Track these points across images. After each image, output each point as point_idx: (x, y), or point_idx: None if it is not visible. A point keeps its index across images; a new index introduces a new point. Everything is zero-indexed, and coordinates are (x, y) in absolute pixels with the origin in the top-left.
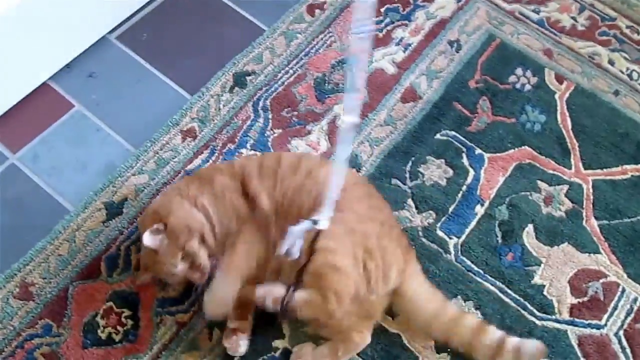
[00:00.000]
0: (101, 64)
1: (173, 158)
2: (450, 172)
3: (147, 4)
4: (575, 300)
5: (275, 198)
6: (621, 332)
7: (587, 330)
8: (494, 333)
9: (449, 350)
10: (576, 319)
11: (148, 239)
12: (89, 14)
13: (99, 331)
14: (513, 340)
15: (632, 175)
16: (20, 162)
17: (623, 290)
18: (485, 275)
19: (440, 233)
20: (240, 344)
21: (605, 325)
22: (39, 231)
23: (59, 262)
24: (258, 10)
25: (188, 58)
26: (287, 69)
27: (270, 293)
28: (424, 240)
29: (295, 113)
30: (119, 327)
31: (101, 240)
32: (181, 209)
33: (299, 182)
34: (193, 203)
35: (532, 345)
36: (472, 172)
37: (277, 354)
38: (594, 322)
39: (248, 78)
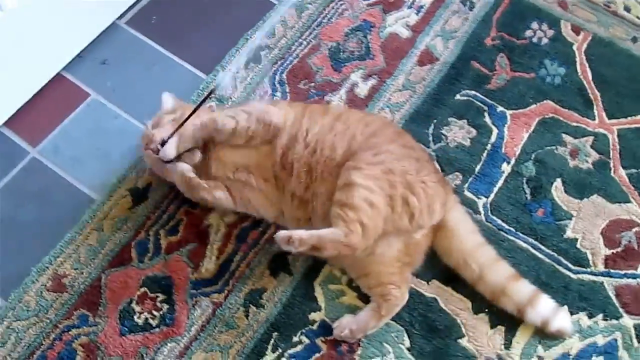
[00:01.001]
0: (113, 50)
1: None
2: (474, 132)
3: None
4: (609, 252)
5: (301, 125)
6: None
7: (624, 281)
8: (528, 284)
9: (486, 310)
10: (611, 270)
11: (167, 96)
12: (97, 0)
13: (135, 317)
14: (548, 301)
15: None
16: (41, 155)
17: None
18: (517, 232)
19: (468, 194)
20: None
21: None
22: (67, 222)
23: (89, 252)
24: None
25: (200, 38)
26: (300, 40)
27: (295, 233)
28: None
29: (313, 84)
30: (154, 312)
31: (129, 226)
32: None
33: (329, 122)
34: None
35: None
36: (495, 131)
37: (315, 326)
38: (630, 271)
39: (262, 53)
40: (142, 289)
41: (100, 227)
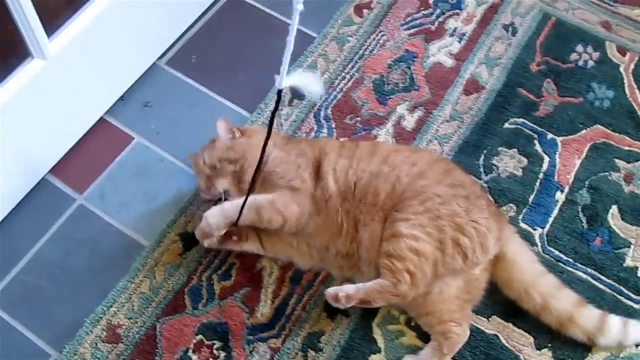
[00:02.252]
0: (155, 91)
1: None
2: (525, 161)
3: (192, 25)
4: None
5: (347, 179)
6: None
7: None
8: (594, 308)
9: (549, 345)
10: None
11: (222, 124)
12: (137, 43)
13: None
14: (616, 317)
15: None
16: (88, 201)
17: None
18: (576, 263)
19: (523, 225)
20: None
21: None
22: (117, 270)
23: (142, 300)
24: (305, 17)
25: (241, 75)
26: (343, 74)
27: (342, 290)
28: None
29: (359, 119)
30: None
31: (181, 272)
32: (258, 138)
33: (375, 167)
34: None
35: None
36: (547, 159)
37: None
38: None
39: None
40: (198, 337)
41: (152, 274)
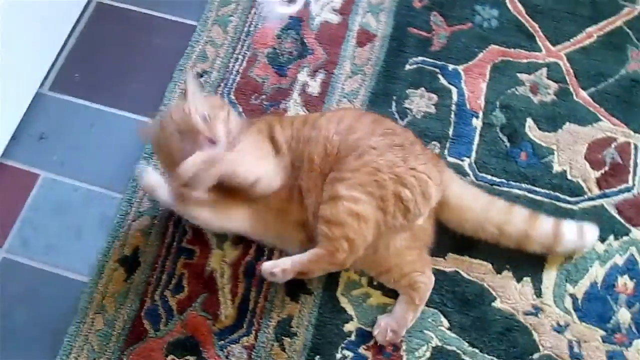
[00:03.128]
0: (46, 121)
1: None
2: (435, 97)
3: (65, 43)
4: (598, 174)
5: (292, 149)
6: None
7: (621, 197)
8: (547, 217)
9: (507, 267)
10: (606, 190)
11: (191, 78)
12: (12, 76)
13: None
14: (570, 222)
15: (597, 37)
16: (11, 253)
17: (636, 147)
18: (509, 182)
19: (451, 159)
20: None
21: (634, 185)
22: (65, 315)
23: (100, 338)
24: (180, 8)
25: (132, 81)
26: (235, 56)
27: (278, 265)
28: None
29: (264, 97)
30: None
31: (132, 298)
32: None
33: (307, 134)
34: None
35: (592, 225)
36: (454, 90)
37: (353, 337)
38: (623, 186)
39: (202, 79)
40: (169, 358)
41: (102, 309)
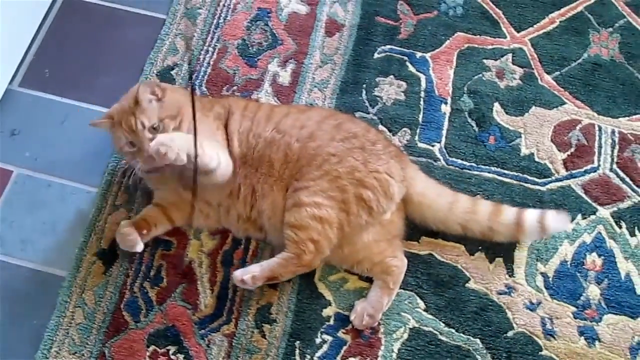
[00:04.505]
0: (17, 118)
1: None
2: (404, 84)
3: (33, 39)
4: (564, 155)
5: (249, 142)
6: (615, 166)
7: (587, 177)
8: (509, 210)
9: (480, 248)
10: (573, 171)
11: (144, 88)
12: None
13: None
14: (531, 213)
15: (560, 22)
16: None
17: (600, 128)
18: (479, 166)
19: (422, 145)
20: (137, 243)
21: (599, 165)
22: (45, 310)
23: (81, 331)
24: (148, 2)
25: (102, 76)
26: (205, 47)
27: (247, 272)
28: (410, 157)
29: (235, 88)
30: None
31: (111, 291)
32: (182, 95)
33: (269, 135)
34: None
35: (553, 213)
36: (422, 77)
37: (332, 321)
38: (589, 166)
39: (172, 72)
40: (151, 348)
41: (82, 302)
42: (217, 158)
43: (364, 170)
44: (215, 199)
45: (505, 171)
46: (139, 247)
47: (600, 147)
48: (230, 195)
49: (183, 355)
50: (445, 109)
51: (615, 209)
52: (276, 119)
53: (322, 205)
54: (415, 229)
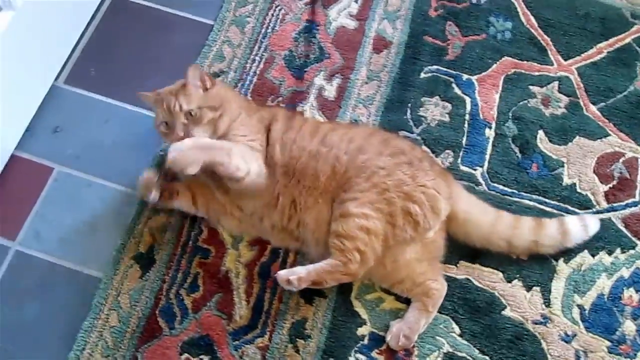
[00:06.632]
0: (61, 115)
1: None
2: (449, 106)
3: (81, 37)
4: (606, 187)
5: (292, 153)
6: None
7: (627, 211)
8: (551, 222)
9: (517, 276)
10: (614, 204)
11: (194, 71)
12: (28, 68)
13: None
14: (572, 218)
15: (607, 52)
16: (24, 246)
17: None
18: (520, 193)
19: (464, 168)
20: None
21: None
22: (78, 310)
23: (114, 335)
24: (197, 7)
25: (147, 78)
26: (252, 57)
27: (294, 272)
28: None
29: (280, 99)
30: None
31: (147, 296)
32: (231, 93)
33: (314, 147)
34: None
35: (589, 215)
36: (468, 99)
37: (366, 341)
38: (630, 200)
39: (218, 79)
40: (184, 356)
41: (117, 305)
42: (245, 168)
43: (412, 184)
44: (250, 207)
45: (547, 200)
46: (153, 196)
47: None
48: (267, 205)
49: None
50: (489, 133)
51: None
52: (322, 134)
53: (369, 217)
54: (453, 253)
